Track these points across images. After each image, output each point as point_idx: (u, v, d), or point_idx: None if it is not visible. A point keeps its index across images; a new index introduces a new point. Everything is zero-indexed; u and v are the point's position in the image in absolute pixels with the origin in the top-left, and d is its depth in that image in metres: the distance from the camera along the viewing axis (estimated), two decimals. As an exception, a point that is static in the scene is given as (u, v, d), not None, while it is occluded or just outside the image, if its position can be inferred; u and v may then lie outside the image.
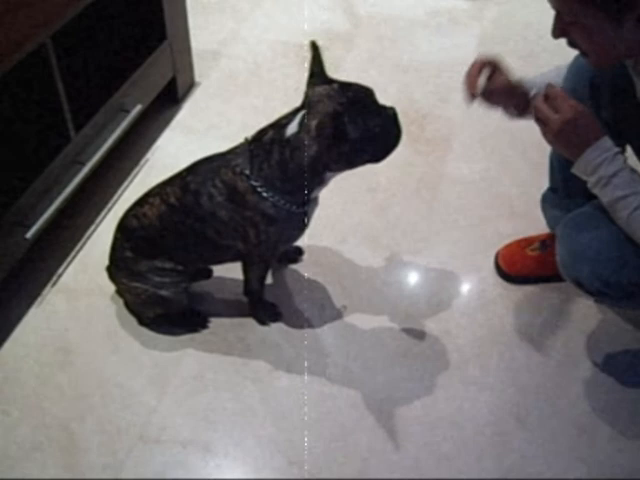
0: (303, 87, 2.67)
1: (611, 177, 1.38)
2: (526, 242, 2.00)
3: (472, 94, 1.65)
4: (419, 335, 1.86)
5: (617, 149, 1.39)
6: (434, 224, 2.15)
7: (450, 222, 2.15)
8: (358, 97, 1.47)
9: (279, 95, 2.66)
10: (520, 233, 2.07)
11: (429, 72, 2.81)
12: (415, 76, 2.79)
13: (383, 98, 2.54)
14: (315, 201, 1.63)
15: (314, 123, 1.42)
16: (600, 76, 1.54)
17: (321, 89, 1.49)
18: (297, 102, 2.58)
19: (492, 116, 2.58)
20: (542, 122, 1.43)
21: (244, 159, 1.53)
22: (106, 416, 1.67)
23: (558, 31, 1.36)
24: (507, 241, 2.06)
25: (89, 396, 1.71)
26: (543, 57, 2.78)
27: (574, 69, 1.62)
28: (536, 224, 2.03)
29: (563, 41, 1.39)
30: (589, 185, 1.44)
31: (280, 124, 1.52)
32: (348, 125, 1.42)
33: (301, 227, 1.66)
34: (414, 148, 2.40)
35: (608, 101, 1.42)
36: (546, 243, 1.95)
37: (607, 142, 1.39)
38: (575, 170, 1.45)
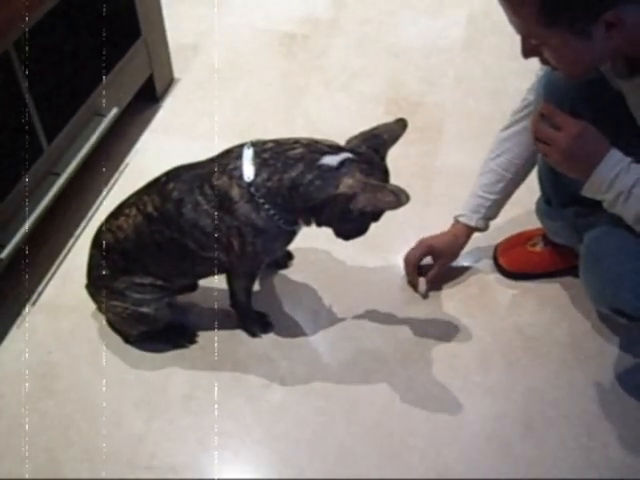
0: (288, 78, 2.60)
1: (632, 188, 1.27)
2: (526, 237, 1.92)
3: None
4: (417, 339, 1.78)
5: (629, 158, 1.29)
6: (428, 219, 2.06)
7: (445, 216, 2.05)
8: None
9: (263, 88, 2.57)
10: (518, 224, 2.00)
11: (418, 56, 2.71)
12: (403, 60, 2.69)
13: (371, 85, 2.45)
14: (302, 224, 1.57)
15: (357, 178, 1.39)
16: (578, 93, 1.44)
17: (372, 154, 1.47)
18: (281, 95, 2.53)
19: (486, 101, 2.52)
20: (544, 142, 1.34)
21: (248, 165, 1.44)
22: (93, 442, 1.59)
23: (528, 52, 1.28)
24: (506, 234, 1.98)
25: (75, 422, 1.63)
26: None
27: (548, 89, 1.52)
28: (534, 215, 1.95)
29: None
30: (606, 204, 1.33)
31: (315, 148, 1.43)
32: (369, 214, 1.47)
33: (287, 242, 1.59)
34: (405, 138, 2.28)
35: (592, 116, 1.33)
36: (547, 238, 1.86)
37: (617, 154, 1.29)
38: (587, 191, 1.34)
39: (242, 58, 2.71)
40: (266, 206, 1.44)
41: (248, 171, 1.44)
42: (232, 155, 1.49)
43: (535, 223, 1.89)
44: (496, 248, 1.95)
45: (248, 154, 1.45)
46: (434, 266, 1.86)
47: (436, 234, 1.87)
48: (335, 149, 1.44)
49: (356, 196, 1.38)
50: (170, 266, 1.61)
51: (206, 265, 1.60)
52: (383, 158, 1.50)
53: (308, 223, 1.52)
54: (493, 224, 1.87)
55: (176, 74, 2.59)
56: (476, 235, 1.89)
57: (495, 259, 1.93)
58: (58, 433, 1.61)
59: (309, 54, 2.74)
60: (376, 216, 1.50)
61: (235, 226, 1.47)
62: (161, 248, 1.56)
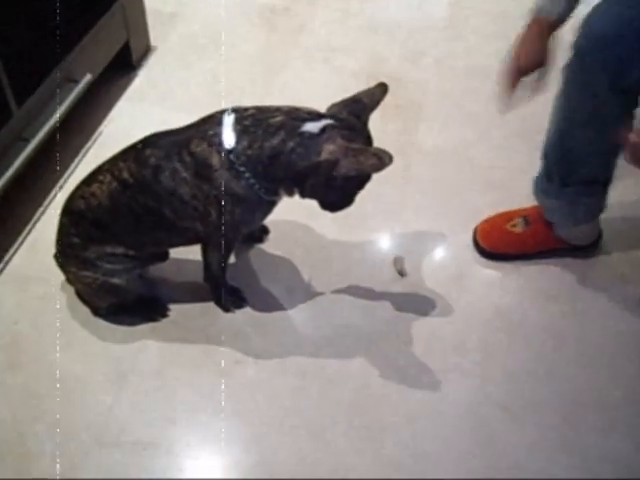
0: (267, 50, 2.54)
1: None
2: (506, 217, 1.89)
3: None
4: (394, 318, 1.75)
5: None
6: (407, 196, 2.04)
7: (424, 194, 2.04)
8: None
9: (241, 60, 2.51)
10: (499, 205, 1.97)
11: (400, 33, 2.67)
12: (385, 37, 2.65)
13: (351, 61, 2.40)
14: (282, 195, 1.52)
15: (339, 142, 1.36)
16: None
17: (354, 120, 1.44)
18: (260, 68, 2.48)
19: (467, 80, 2.48)
20: None
21: (228, 132, 1.40)
22: (60, 419, 1.54)
23: None
24: (485, 214, 1.95)
25: (41, 396, 1.58)
26: (517, 15, 2.65)
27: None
28: (515, 196, 1.93)
29: None
30: None
31: (296, 115, 1.40)
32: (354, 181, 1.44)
33: (267, 212, 1.55)
34: (384, 115, 2.27)
35: None
36: (528, 219, 1.84)
37: None
38: None
39: (221, 28, 2.64)
40: (246, 175, 1.40)
41: (228, 138, 1.39)
42: (213, 121, 1.44)
43: (515, 203, 1.87)
44: (476, 228, 1.92)
45: (229, 120, 1.41)
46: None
47: (522, 44, 1.63)
48: (316, 116, 1.41)
49: (339, 162, 1.35)
50: (144, 235, 1.57)
51: (182, 235, 1.56)
52: (365, 123, 1.46)
53: (290, 194, 1.48)
54: (473, 203, 1.84)
55: (153, 42, 2.52)
56: (454, 214, 1.86)
57: (474, 239, 1.90)
58: (23, 407, 1.56)
59: (289, 26, 2.68)
60: (361, 183, 1.46)
61: (214, 195, 1.43)
62: (136, 216, 1.51)
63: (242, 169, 1.40)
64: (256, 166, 1.40)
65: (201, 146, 1.41)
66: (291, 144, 1.37)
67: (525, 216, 1.85)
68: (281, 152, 1.37)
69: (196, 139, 1.42)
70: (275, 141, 1.37)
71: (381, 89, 1.48)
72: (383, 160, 1.34)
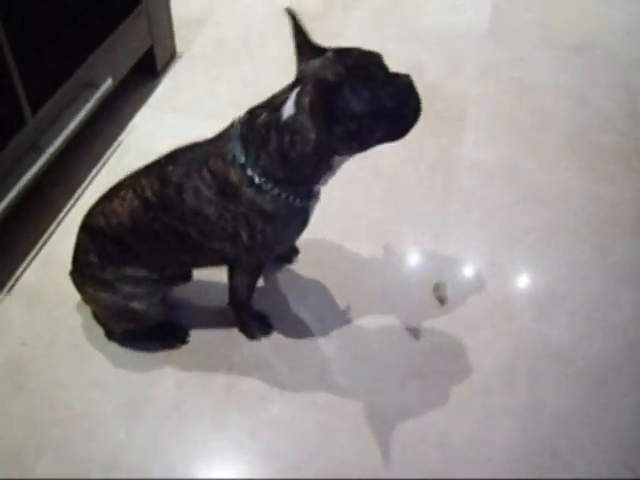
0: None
1: None
2: None
3: None
4: (434, 349, 1.61)
5: None
6: (449, 215, 1.89)
7: (467, 213, 1.90)
8: (360, 63, 1.22)
9: (272, 67, 2.39)
10: (547, 225, 1.83)
11: (438, 39, 2.54)
12: (423, 44, 2.52)
13: (389, 66, 2.23)
14: (317, 195, 1.38)
15: (306, 100, 1.19)
16: None
17: (313, 61, 1.25)
18: (291, 75, 2.34)
19: (511, 92, 2.34)
20: None
21: (236, 145, 1.28)
22: (67, 451, 1.43)
23: None
24: (533, 235, 1.81)
25: (48, 426, 1.46)
26: (562, 27, 2.52)
27: None
28: (566, 215, 1.78)
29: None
30: None
31: (274, 104, 1.25)
32: (350, 97, 1.18)
33: (302, 225, 1.40)
34: (423, 127, 2.12)
35: None
36: None
37: None
38: None
39: (250, 33, 2.54)
40: (269, 186, 1.27)
41: (238, 152, 1.27)
42: (226, 135, 1.32)
43: (566, 224, 1.73)
44: None
45: (236, 132, 1.29)
46: None
47: None
48: (287, 92, 1.25)
49: (317, 120, 1.18)
50: (168, 257, 1.44)
51: (209, 256, 1.44)
52: (318, 54, 1.26)
53: (333, 170, 1.31)
54: (520, 223, 1.69)
55: (179, 48, 2.42)
56: (500, 235, 1.72)
57: None
58: (28, 437, 1.45)
59: (323, 33, 2.49)
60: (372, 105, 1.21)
61: (242, 213, 1.30)
62: (160, 237, 1.38)
63: (262, 181, 1.27)
64: (275, 174, 1.27)
65: (218, 163, 1.29)
66: (287, 138, 1.23)
67: None
68: (286, 151, 1.24)
69: (213, 156, 1.30)
70: (274, 144, 1.24)
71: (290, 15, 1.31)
72: (308, 77, 1.20)
